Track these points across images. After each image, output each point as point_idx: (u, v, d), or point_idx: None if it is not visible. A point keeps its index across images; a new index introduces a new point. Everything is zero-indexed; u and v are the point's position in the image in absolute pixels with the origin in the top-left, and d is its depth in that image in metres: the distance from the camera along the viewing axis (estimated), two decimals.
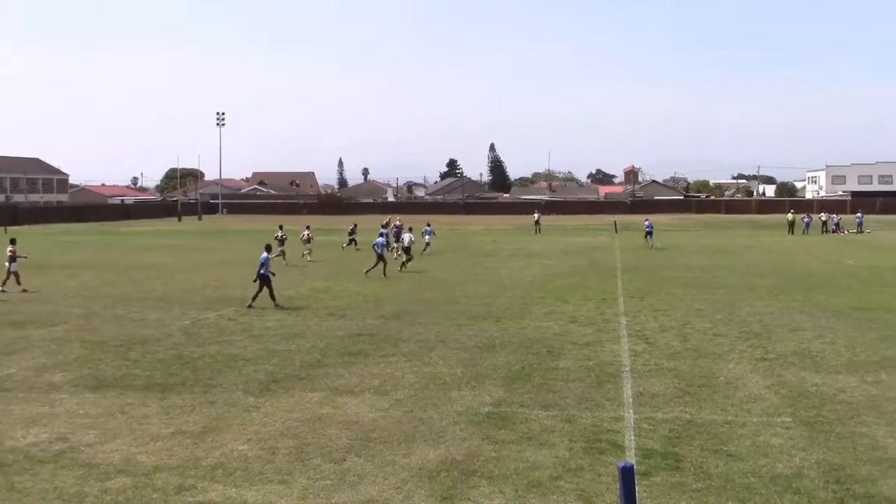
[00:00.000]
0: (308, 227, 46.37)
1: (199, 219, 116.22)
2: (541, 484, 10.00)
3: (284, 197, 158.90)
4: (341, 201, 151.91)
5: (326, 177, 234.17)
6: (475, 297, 27.60)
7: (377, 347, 18.80)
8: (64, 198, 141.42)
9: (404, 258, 37.91)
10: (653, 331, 20.79)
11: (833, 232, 72.12)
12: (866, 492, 9.68)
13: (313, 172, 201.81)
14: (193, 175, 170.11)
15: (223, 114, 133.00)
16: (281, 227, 44.33)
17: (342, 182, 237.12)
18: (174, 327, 21.71)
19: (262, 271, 25.18)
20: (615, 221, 79.34)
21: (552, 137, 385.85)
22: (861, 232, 71.86)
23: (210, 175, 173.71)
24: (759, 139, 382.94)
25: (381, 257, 34.13)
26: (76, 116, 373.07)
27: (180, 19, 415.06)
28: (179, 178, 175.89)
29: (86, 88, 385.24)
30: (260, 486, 10.00)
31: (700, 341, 19.35)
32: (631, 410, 13.29)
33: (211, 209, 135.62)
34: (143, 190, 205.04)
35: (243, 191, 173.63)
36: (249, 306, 24.92)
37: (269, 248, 26.45)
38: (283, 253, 41.37)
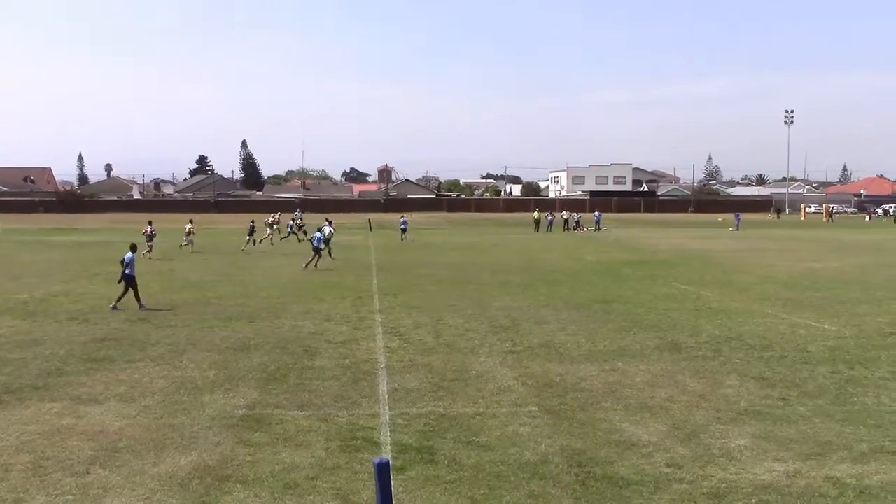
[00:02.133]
0: (191, 221, 51.63)
1: None
2: (297, 485, 9.94)
3: (17, 194, 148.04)
4: (82, 199, 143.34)
5: (65, 172, 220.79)
6: (228, 297, 26.98)
7: (123, 352, 17.93)
8: None
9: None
10: (407, 327, 21.18)
11: (574, 229, 76.64)
12: (605, 473, 10.35)
13: (50, 168, 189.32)
14: None
15: None
16: (192, 221, 50.74)
17: (83, 178, 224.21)
18: None
19: (126, 271, 24.30)
20: (370, 220, 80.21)
21: (306, 136, 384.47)
22: (599, 229, 76.79)
23: None
24: (505, 141, 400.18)
25: (317, 251, 37.87)
26: None
27: None
28: None
29: None
30: None
31: (453, 336, 19.92)
32: (386, 407, 13.47)
33: None
34: None
35: None
36: (114, 307, 23.91)
37: (133, 248, 25.57)
38: (191, 242, 47.42)
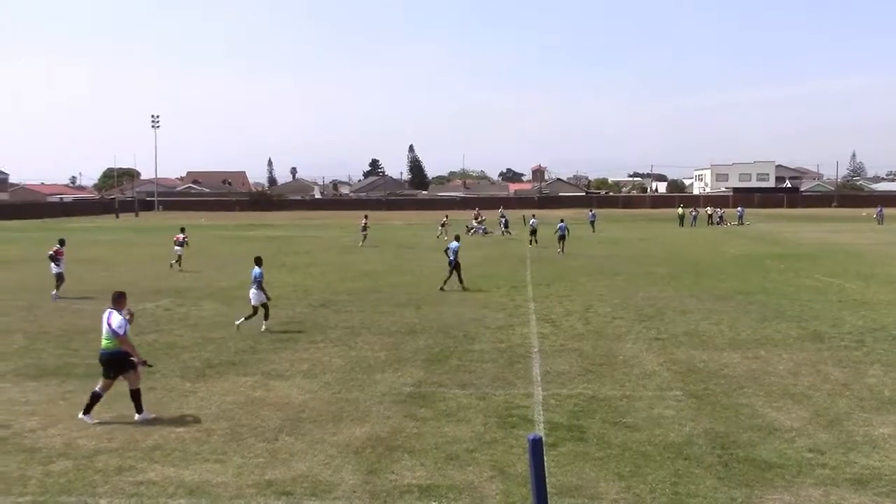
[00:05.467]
0: (366, 216, 55.56)
1: (136, 215, 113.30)
2: (458, 457, 10.06)
3: (217, 195, 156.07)
4: (271, 198, 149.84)
5: (257, 175, 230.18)
6: (397, 286, 27.55)
7: (306, 334, 18.63)
8: (4, 196, 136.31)
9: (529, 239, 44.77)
10: (558, 315, 21.04)
11: (717, 224, 74.09)
12: (747, 455, 9.98)
13: (244, 171, 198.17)
14: (130, 174, 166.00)
15: (158, 116, 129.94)
16: (366, 217, 52.60)
17: (272, 180, 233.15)
18: None
19: (453, 258, 26.64)
20: (524, 216, 79.92)
21: (466, 139, 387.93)
22: (742, 224, 73.95)
23: (146, 174, 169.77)
24: (650, 141, 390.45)
25: (563, 238, 41.95)
26: (16, 117, 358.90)
27: (113, 27, 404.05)
28: (117, 177, 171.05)
29: (25, 91, 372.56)
30: (197, 465, 9.83)
31: (601, 324, 19.66)
32: (539, 388, 13.44)
33: (147, 206, 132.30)
34: (82, 188, 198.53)
35: (178, 189, 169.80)
36: (441, 289, 26.08)
37: (457, 238, 28.24)
38: (365, 237, 49.43)
